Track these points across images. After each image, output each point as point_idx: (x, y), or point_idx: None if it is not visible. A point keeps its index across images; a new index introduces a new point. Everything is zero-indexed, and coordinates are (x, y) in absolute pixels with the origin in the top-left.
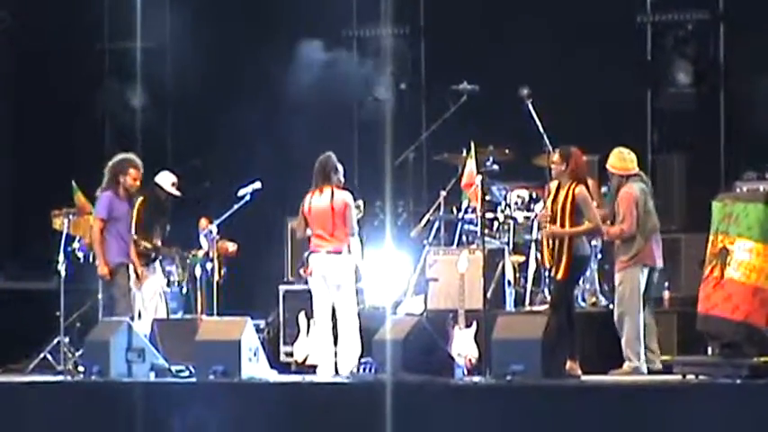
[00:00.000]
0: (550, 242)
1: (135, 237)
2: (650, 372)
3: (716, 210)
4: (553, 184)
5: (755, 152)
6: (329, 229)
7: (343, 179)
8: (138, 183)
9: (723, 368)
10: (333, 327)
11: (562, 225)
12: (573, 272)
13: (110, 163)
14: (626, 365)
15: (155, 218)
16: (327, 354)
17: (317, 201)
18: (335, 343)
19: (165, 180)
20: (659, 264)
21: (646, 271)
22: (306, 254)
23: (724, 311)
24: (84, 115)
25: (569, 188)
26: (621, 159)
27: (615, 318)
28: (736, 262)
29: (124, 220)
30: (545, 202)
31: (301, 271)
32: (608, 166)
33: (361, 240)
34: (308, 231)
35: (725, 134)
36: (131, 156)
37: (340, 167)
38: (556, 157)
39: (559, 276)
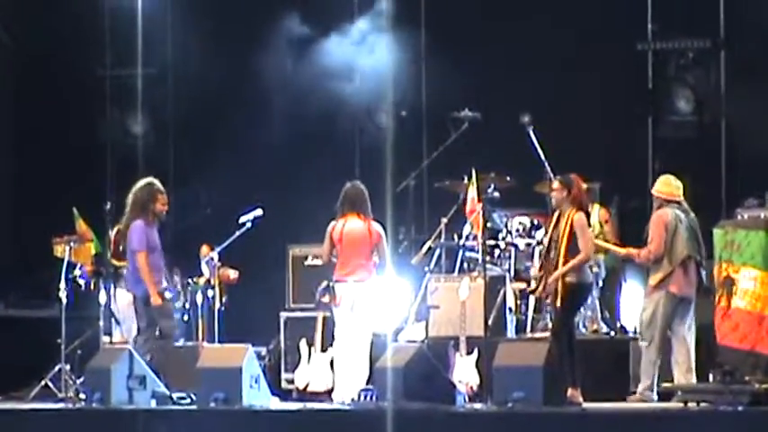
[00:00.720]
0: (552, 270)
1: (114, 262)
2: (665, 394)
3: (717, 237)
4: (555, 214)
5: (756, 179)
6: (359, 259)
7: None
8: (166, 207)
9: (724, 395)
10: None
11: (566, 252)
12: (574, 299)
13: (134, 191)
14: (638, 392)
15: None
16: (344, 378)
17: (350, 229)
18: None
19: None
20: (686, 292)
21: (670, 299)
22: (330, 283)
23: (733, 341)
24: (86, 142)
25: (569, 215)
26: (667, 185)
27: (639, 343)
28: (741, 291)
29: (158, 248)
30: (546, 231)
31: (325, 299)
32: (653, 190)
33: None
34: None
35: (726, 162)
36: (154, 180)
37: None
38: (556, 184)
39: (558, 303)
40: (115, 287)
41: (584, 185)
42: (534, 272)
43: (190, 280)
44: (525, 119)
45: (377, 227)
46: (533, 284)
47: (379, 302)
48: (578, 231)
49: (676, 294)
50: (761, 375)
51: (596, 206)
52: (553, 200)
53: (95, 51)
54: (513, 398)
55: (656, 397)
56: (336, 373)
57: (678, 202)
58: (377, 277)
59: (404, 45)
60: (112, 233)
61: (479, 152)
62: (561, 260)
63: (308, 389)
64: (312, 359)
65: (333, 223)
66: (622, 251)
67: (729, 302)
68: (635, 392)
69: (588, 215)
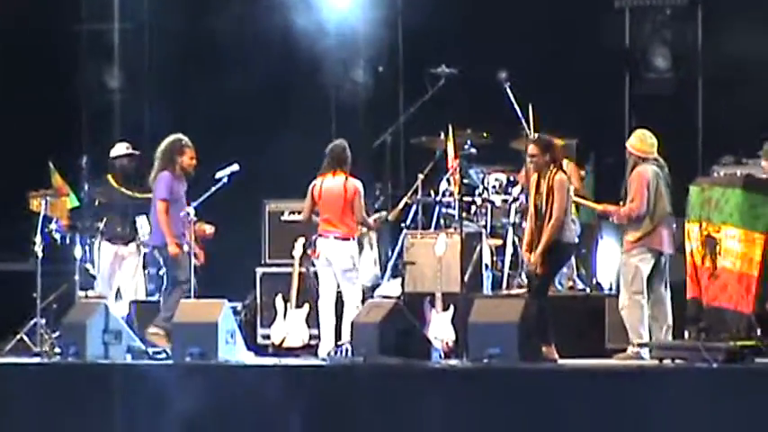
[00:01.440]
0: (538, 233)
1: (126, 192)
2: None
3: (694, 194)
4: (535, 177)
5: (733, 137)
6: (338, 215)
7: None
8: (194, 162)
9: (699, 353)
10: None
11: (550, 214)
12: (552, 258)
13: (162, 145)
14: (630, 350)
15: (128, 187)
16: (328, 332)
17: (329, 185)
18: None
19: (120, 149)
20: (667, 249)
21: (652, 256)
22: (313, 237)
23: (722, 301)
24: (62, 96)
25: (550, 177)
26: (642, 141)
27: (619, 301)
28: (725, 250)
29: (181, 201)
30: (528, 194)
31: (309, 252)
32: (627, 145)
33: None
34: (314, 217)
35: (702, 119)
36: (183, 136)
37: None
38: (534, 149)
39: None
40: (100, 241)
41: (560, 142)
42: (525, 238)
43: None
44: (502, 75)
45: (353, 183)
46: (523, 252)
47: (358, 258)
48: (556, 192)
49: (658, 251)
50: (744, 334)
51: (565, 161)
52: (533, 165)
53: (71, 5)
54: (489, 354)
55: (648, 355)
56: (321, 328)
57: (655, 159)
58: (357, 233)
59: (381, 0)
60: (110, 178)
61: (456, 108)
62: (546, 223)
63: (284, 344)
64: (288, 315)
65: (314, 181)
66: (599, 207)
67: (715, 263)
68: (618, 350)
69: (564, 172)
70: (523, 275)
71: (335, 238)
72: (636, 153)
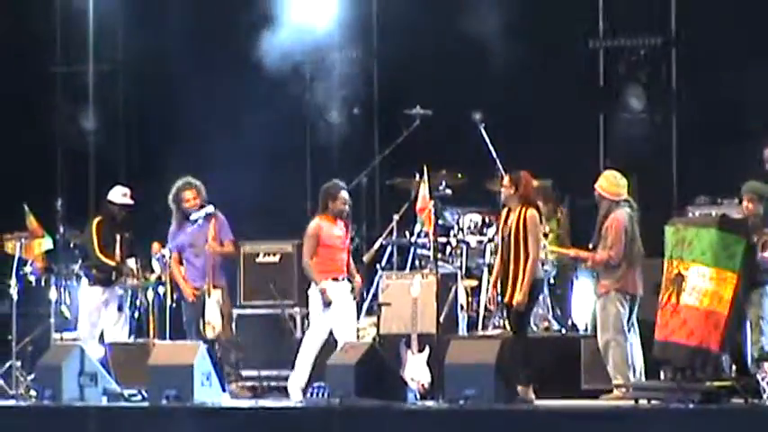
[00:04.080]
0: (504, 268)
1: (99, 255)
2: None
3: (669, 234)
4: (504, 211)
5: (707, 177)
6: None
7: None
8: (189, 203)
9: (676, 393)
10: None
11: (516, 249)
12: (534, 295)
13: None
14: (616, 391)
15: (112, 233)
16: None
17: None
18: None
19: (116, 194)
20: (640, 291)
21: (628, 298)
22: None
23: (680, 337)
24: (38, 138)
25: (520, 212)
26: (614, 184)
27: (600, 344)
28: (690, 287)
29: (187, 248)
30: (498, 231)
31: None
32: (597, 187)
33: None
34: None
35: (677, 159)
36: (188, 179)
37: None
38: (506, 181)
39: (514, 301)
40: (85, 283)
41: (534, 182)
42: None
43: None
44: (477, 116)
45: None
46: (486, 285)
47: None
48: (530, 230)
49: (635, 295)
50: (711, 372)
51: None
52: (502, 196)
53: (47, 47)
54: (465, 395)
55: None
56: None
57: (626, 200)
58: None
59: (356, 42)
60: (94, 224)
61: (431, 149)
62: (513, 257)
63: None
64: None
65: None
66: (570, 253)
67: (678, 299)
68: (593, 391)
69: (540, 212)
70: (497, 317)
71: None
72: (608, 197)
